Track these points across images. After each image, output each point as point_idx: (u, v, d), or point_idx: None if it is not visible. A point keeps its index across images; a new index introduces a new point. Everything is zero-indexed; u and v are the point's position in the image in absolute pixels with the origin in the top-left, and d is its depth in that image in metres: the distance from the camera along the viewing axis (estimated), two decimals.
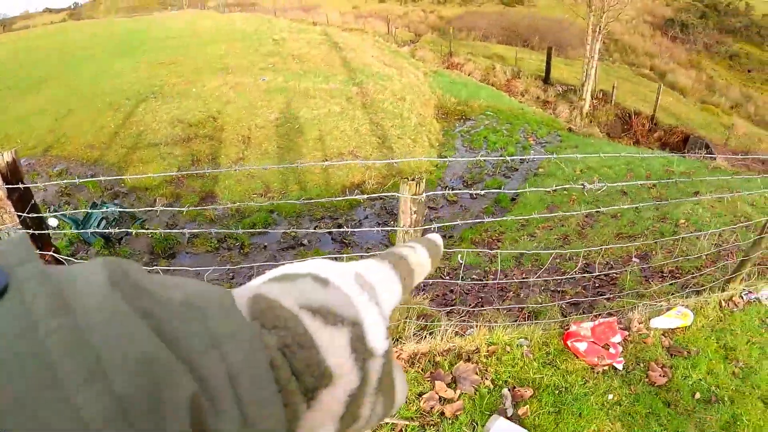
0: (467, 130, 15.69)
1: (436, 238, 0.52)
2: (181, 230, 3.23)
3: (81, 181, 3.37)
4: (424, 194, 3.18)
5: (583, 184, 3.33)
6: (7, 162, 2.93)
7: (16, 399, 0.18)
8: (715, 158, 13.67)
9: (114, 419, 0.19)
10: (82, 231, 9.26)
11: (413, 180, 3.14)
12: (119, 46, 22.91)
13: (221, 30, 24.55)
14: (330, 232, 9.84)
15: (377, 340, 0.35)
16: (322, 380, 0.31)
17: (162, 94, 15.42)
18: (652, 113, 22.44)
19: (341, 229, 4.15)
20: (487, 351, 3.67)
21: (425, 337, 3.85)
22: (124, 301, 0.23)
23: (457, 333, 3.90)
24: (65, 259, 3.28)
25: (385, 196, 3.44)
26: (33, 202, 3.09)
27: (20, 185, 2.98)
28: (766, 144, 22.24)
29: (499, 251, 7.93)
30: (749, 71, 41.10)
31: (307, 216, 10.41)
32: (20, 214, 2.99)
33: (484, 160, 13.22)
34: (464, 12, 44.94)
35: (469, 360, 3.61)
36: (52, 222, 8.48)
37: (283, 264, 0.40)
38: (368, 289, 0.37)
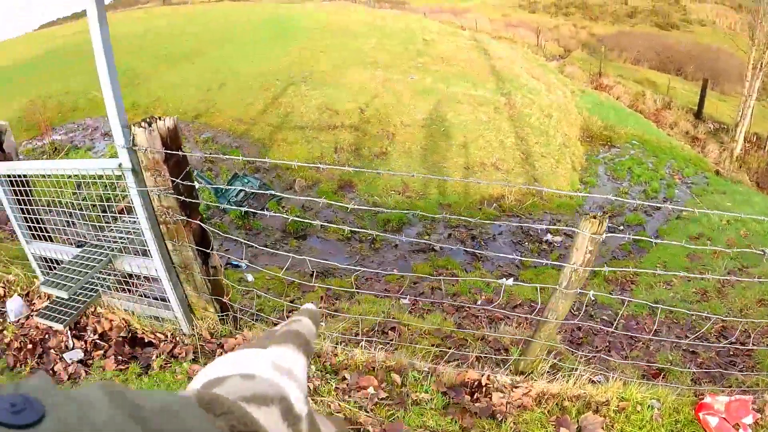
0: (611, 157, 15.26)
1: (312, 306, 0.65)
2: (311, 221, 3.32)
3: (236, 159, 3.54)
4: (605, 234, 3.09)
5: (763, 250, 3.18)
6: (168, 128, 3.05)
7: None
8: None
9: None
10: (221, 198, 9.73)
11: (595, 218, 3.06)
12: (273, 30, 23.82)
13: (371, 24, 24.96)
14: (463, 243, 9.84)
15: (300, 407, 0.47)
16: None
17: (312, 80, 15.92)
18: None
19: (476, 250, 4.16)
20: (617, 406, 3.53)
21: (557, 377, 3.77)
22: (119, 411, 0.32)
23: (590, 380, 3.79)
24: (209, 229, 3.44)
25: (564, 229, 3.42)
26: (188, 169, 3.19)
27: (179, 152, 3.09)
28: None
29: (628, 299, 7.62)
30: None
31: (442, 222, 10.37)
32: (174, 179, 3.10)
33: (627, 192, 12.89)
34: (617, 31, 43.43)
35: (597, 411, 3.50)
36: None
37: (206, 367, 0.50)
38: (286, 372, 0.49)
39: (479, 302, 6.76)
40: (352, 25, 24.48)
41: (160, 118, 3.04)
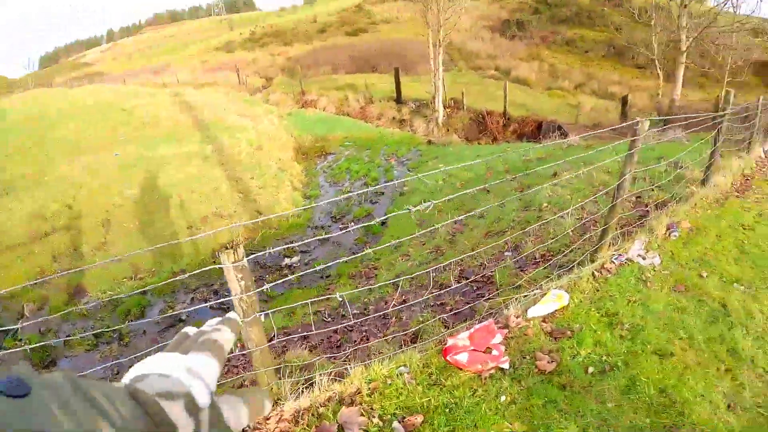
0: (329, 164, 15.80)
1: (234, 316, 0.74)
2: (49, 342, 3.08)
3: None
4: (244, 260, 3.23)
5: (408, 209, 3.32)
6: None
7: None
8: (567, 137, 14.27)
9: None
10: None
11: (229, 248, 3.18)
12: None
13: (70, 108, 23.34)
14: (207, 300, 9.49)
15: (202, 400, 0.57)
16: (171, 428, 0.51)
17: (14, 189, 14.49)
18: (503, 109, 23.32)
19: (176, 312, 3.96)
20: (369, 389, 3.57)
21: (302, 391, 3.70)
22: (79, 397, 0.44)
23: (335, 379, 3.75)
24: None
25: (212, 268, 3.34)
26: None
27: None
28: (614, 113, 23.50)
29: (368, 286, 7.79)
30: (586, 52, 43.81)
31: (182, 290, 10.01)
32: None
33: (350, 191, 13.27)
34: (311, 49, 45.35)
35: (352, 403, 3.48)
36: None
37: (138, 363, 0.59)
38: (195, 375, 0.59)
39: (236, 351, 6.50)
40: (48, 114, 22.68)
41: None
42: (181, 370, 0.59)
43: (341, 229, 11.17)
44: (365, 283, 7.97)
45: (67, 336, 9.20)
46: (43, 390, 0.41)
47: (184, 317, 9.21)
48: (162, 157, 14.76)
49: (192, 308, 9.05)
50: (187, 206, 12.48)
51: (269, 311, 3.88)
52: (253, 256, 3.29)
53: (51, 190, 14.01)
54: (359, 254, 10.00)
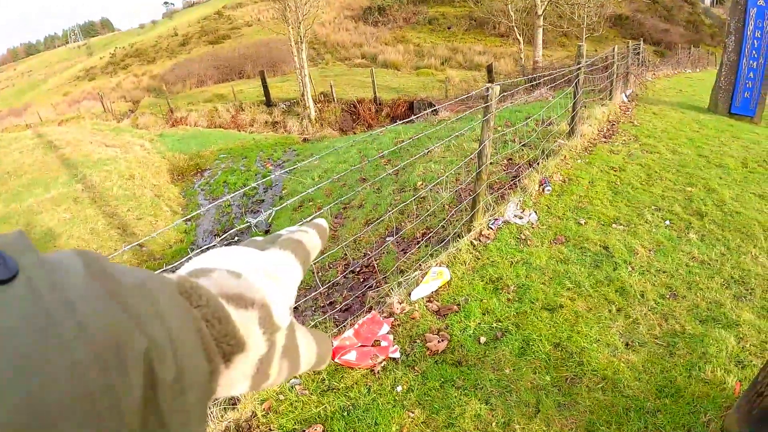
0: (206, 181, 15.54)
1: (323, 222, 0.61)
2: None
3: None
4: None
5: (248, 221, 3.26)
6: None
7: (34, 344, 0.26)
8: (437, 112, 14.53)
9: (95, 361, 0.28)
10: None
11: None
12: None
13: None
14: None
15: (281, 318, 0.45)
16: (237, 348, 0.40)
17: None
18: (373, 95, 23.56)
19: None
20: (263, 410, 3.46)
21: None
22: (97, 283, 0.31)
23: (227, 407, 3.64)
24: None
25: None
26: None
27: None
28: (482, 82, 24.12)
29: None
30: (449, 28, 44.84)
31: None
32: None
33: (230, 205, 13.03)
34: (174, 64, 44.18)
35: (249, 429, 3.38)
36: None
37: (198, 256, 0.47)
38: (274, 279, 0.46)
39: None
40: None
41: None
42: (258, 271, 0.46)
43: (227, 245, 10.95)
44: None
45: None
46: (36, 275, 0.29)
47: None
48: (31, 208, 14.01)
49: None
50: None
51: None
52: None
53: None
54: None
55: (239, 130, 21.67)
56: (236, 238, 11.40)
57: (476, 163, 5.38)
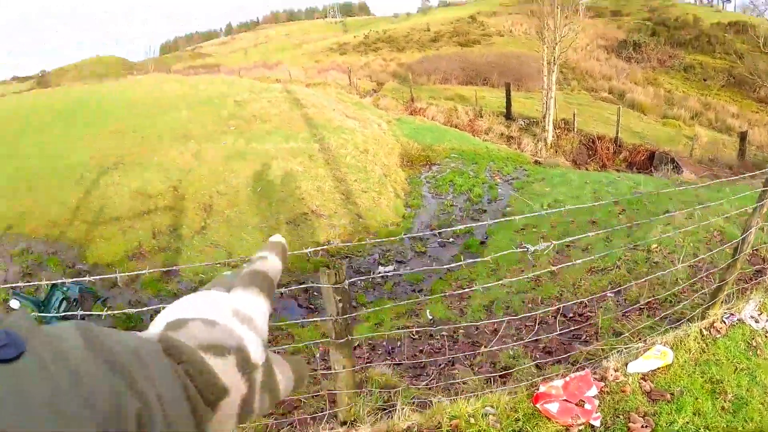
0: (433, 175, 15.61)
1: (278, 238, 0.62)
2: (140, 309, 3.09)
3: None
4: (345, 282, 3.17)
5: (526, 248, 3.14)
6: None
7: (48, 415, 0.29)
8: (681, 172, 13.64)
9: (102, 424, 0.32)
10: (43, 314, 8.98)
11: (331, 269, 3.13)
12: (81, 115, 22.63)
13: (184, 95, 24.26)
14: (296, 298, 9.54)
15: (257, 356, 0.48)
16: (220, 394, 0.43)
17: (123, 165, 15.16)
18: (615, 135, 22.56)
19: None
20: (450, 425, 3.39)
21: (381, 416, 3.58)
22: (94, 355, 0.35)
23: (415, 409, 3.61)
24: None
25: (312, 284, 3.30)
26: None
27: None
28: (731, 149, 22.32)
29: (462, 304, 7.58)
30: (704, 80, 41.98)
31: None
32: None
33: (452, 205, 13.11)
34: (423, 57, 45.35)
35: None
36: (14, 304, 8.43)
37: (172, 305, 0.50)
38: (245, 320, 0.49)
39: (318, 356, 6.47)
40: (164, 99, 23.69)
41: None
42: (229, 315, 0.49)
43: (440, 243, 11.01)
44: (457, 304, 7.73)
45: (156, 311, 9.43)
46: (41, 350, 0.32)
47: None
48: (267, 151, 15.01)
49: (279, 305, 9.21)
50: (288, 201, 12.61)
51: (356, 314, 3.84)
52: (355, 279, 3.21)
53: (158, 170, 14.52)
54: (454, 271, 9.95)
55: (474, 135, 21.56)
56: (450, 239, 11.61)
57: (735, 249, 4.87)
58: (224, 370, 0.44)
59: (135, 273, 5.16)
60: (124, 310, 4.11)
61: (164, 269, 8.67)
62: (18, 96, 33.42)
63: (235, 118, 19.08)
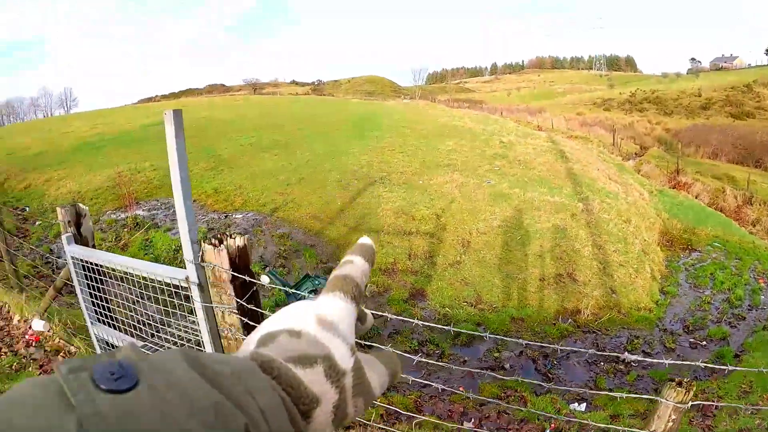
0: (692, 263, 14.55)
1: (366, 241, 0.65)
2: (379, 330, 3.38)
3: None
4: (689, 403, 2.80)
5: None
6: (238, 246, 3.05)
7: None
8: None
9: None
10: (290, 298, 9.75)
11: (681, 385, 2.79)
12: (353, 127, 24.76)
13: (450, 125, 25.57)
14: (534, 360, 9.59)
15: (344, 362, 0.51)
16: (313, 404, 0.47)
17: (389, 181, 16.42)
18: None
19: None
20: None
21: None
22: (198, 375, 0.39)
23: None
24: None
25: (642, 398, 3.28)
26: (254, 290, 3.16)
27: (245, 276, 3.08)
28: None
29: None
30: None
31: (514, 335, 9.96)
32: (238, 300, 3.10)
33: (710, 302, 12.11)
34: (691, 125, 42.79)
35: None
36: (264, 279, 9.02)
37: (266, 320, 0.56)
38: (330, 327, 0.53)
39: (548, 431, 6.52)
40: (430, 125, 25.13)
41: (231, 236, 3.08)
42: (313, 324, 0.53)
43: (691, 344, 10.33)
44: (700, 421, 6.88)
45: (395, 330, 10.05)
46: (153, 378, 0.36)
47: (507, 366, 9.30)
48: (531, 200, 15.16)
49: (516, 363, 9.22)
50: (545, 257, 12.68)
51: None
52: (699, 403, 3.06)
53: (423, 194, 15.47)
54: (702, 380, 9.06)
55: (739, 225, 19.79)
56: (703, 343, 10.65)
57: None
58: (313, 379, 0.47)
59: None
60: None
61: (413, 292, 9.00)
62: (300, 99, 37.29)
63: (500, 158, 19.62)
